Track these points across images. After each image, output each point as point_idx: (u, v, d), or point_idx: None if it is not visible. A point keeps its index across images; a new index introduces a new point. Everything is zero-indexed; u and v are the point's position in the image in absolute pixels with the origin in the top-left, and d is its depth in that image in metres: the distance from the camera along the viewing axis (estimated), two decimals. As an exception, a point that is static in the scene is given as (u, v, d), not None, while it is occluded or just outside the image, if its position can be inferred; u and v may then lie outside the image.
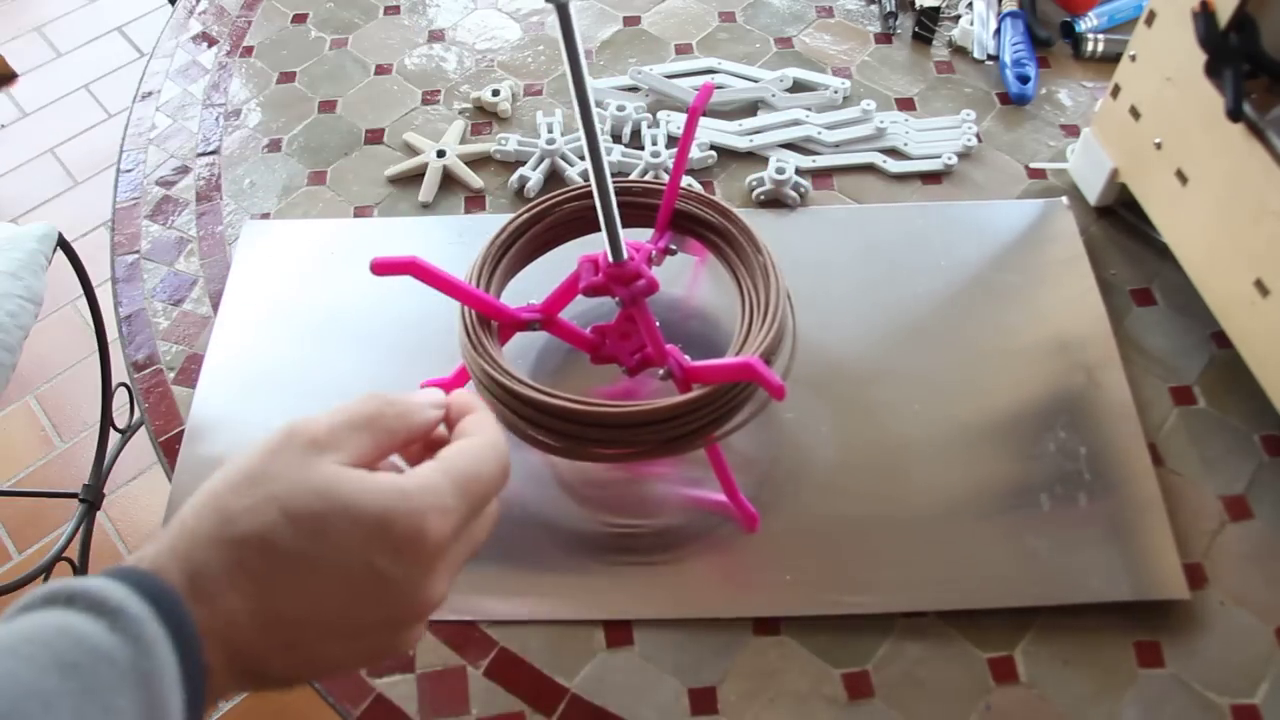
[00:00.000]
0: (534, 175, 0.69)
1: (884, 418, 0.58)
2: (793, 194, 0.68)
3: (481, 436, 0.36)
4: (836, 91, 0.74)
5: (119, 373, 0.88)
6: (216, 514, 0.31)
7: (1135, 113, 0.61)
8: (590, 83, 0.42)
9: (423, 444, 0.38)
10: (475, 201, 0.70)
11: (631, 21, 0.81)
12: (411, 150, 0.73)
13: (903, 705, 0.49)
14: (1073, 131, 0.72)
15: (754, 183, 0.69)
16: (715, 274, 0.60)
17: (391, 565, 0.32)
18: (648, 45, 0.79)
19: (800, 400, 0.58)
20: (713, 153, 0.71)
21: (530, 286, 0.56)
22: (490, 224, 0.63)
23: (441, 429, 0.38)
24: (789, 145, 0.72)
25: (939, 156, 0.70)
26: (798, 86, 0.75)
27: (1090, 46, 0.77)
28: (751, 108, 0.74)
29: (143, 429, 0.91)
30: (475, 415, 0.38)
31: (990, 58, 0.77)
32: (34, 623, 0.28)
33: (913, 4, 0.80)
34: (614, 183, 0.47)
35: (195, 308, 0.66)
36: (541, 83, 0.77)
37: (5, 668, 0.26)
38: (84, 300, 1.08)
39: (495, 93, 0.74)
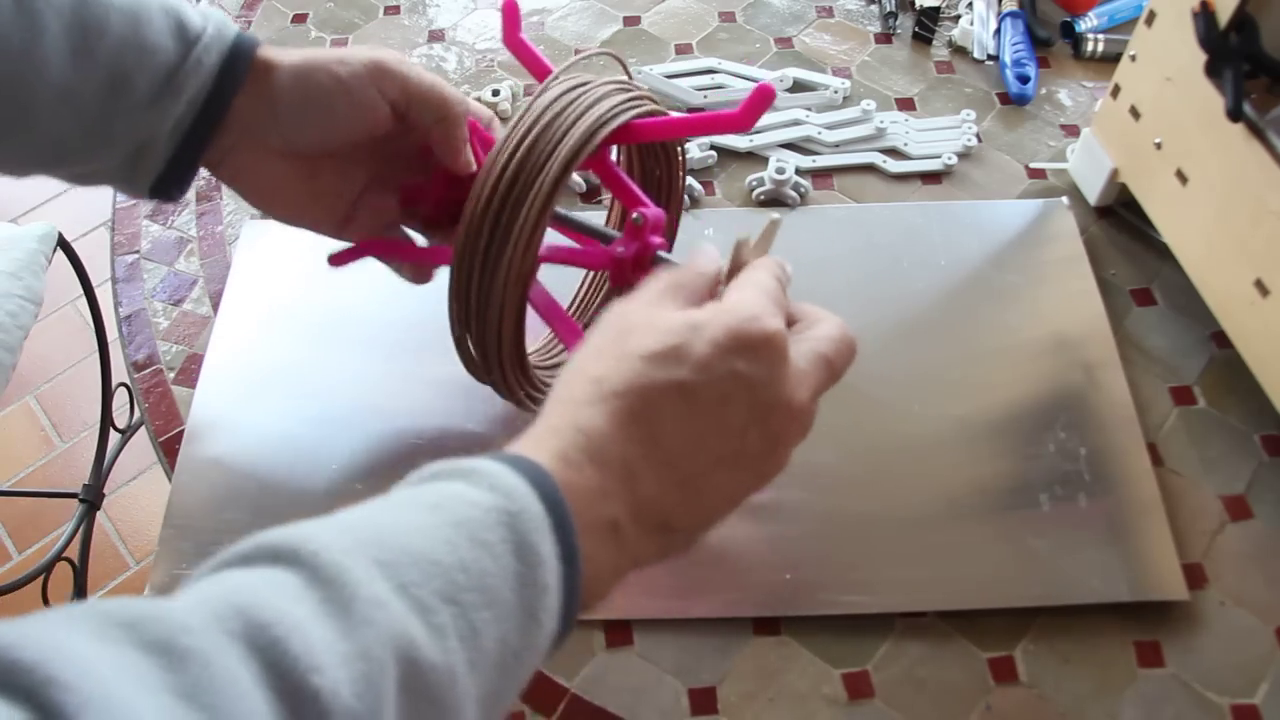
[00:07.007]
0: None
1: (883, 417, 0.58)
2: (793, 194, 0.68)
3: (755, 273, 0.41)
4: (836, 91, 0.74)
5: (119, 373, 0.88)
6: (586, 381, 0.36)
7: (1135, 113, 0.61)
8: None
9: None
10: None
11: (631, 21, 0.81)
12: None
13: (903, 705, 0.49)
14: (1073, 131, 0.72)
15: (754, 183, 0.69)
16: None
17: (751, 365, 0.36)
18: (648, 45, 0.79)
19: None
20: (713, 153, 0.71)
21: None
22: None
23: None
24: (789, 145, 0.72)
25: (939, 156, 0.70)
26: (798, 86, 0.75)
27: (1090, 46, 0.77)
28: (751, 108, 0.74)
29: (143, 429, 0.91)
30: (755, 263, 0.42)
31: (990, 58, 0.77)
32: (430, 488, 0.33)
33: (913, 4, 0.80)
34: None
35: (195, 308, 0.66)
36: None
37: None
38: (84, 300, 1.08)
39: (495, 93, 0.74)
